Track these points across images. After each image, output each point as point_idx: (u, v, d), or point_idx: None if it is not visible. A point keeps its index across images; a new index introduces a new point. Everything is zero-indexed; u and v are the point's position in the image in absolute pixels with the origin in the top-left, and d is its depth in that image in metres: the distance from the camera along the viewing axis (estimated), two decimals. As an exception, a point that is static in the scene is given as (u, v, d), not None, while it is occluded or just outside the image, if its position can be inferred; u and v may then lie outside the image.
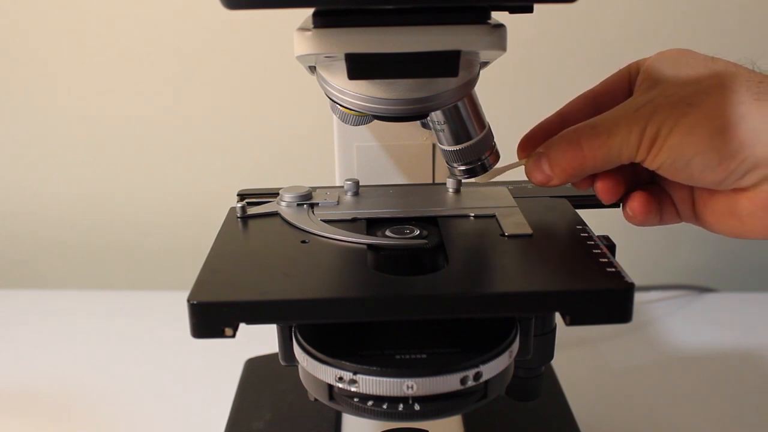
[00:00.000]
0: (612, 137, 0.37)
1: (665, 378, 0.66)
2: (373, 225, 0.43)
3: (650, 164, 0.37)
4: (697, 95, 0.36)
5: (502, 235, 0.40)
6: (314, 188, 0.47)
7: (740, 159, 0.35)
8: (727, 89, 0.36)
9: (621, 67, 0.44)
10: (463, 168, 0.44)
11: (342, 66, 0.35)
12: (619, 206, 0.49)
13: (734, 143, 0.35)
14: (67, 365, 0.69)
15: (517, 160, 0.44)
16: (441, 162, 0.52)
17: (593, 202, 0.48)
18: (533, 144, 0.43)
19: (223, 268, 0.37)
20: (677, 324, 0.76)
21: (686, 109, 0.36)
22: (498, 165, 0.45)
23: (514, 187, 0.49)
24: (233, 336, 0.33)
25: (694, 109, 0.36)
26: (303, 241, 0.40)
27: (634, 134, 0.37)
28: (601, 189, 0.41)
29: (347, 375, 0.34)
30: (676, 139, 0.36)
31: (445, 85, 0.37)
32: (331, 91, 0.38)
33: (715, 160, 0.35)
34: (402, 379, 0.33)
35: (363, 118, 0.44)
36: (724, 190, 0.38)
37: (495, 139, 0.45)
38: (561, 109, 0.45)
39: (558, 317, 0.35)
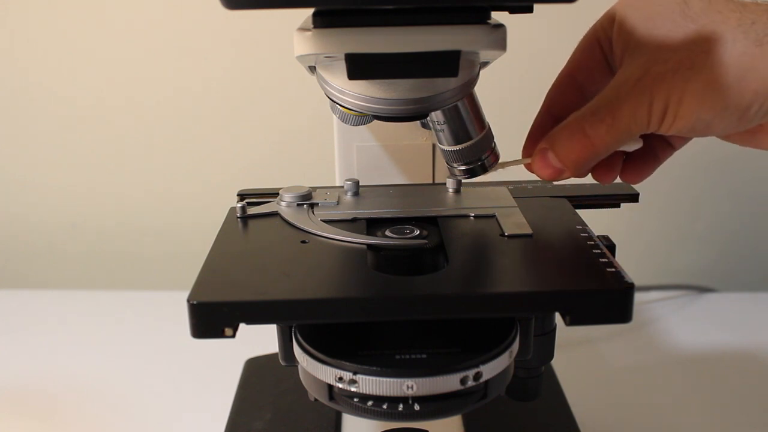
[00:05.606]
0: (617, 120, 0.35)
1: (665, 378, 0.66)
2: (373, 225, 0.43)
3: (665, 132, 0.36)
4: (696, 56, 0.34)
5: (502, 235, 0.40)
6: (314, 188, 0.47)
7: (757, 106, 0.34)
8: (723, 42, 0.34)
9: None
10: (463, 168, 0.44)
11: (342, 66, 0.35)
12: (619, 206, 0.49)
13: (748, 95, 0.34)
14: (67, 365, 0.69)
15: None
16: (441, 162, 0.52)
17: (593, 202, 0.48)
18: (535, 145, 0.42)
19: (223, 268, 0.37)
20: (677, 324, 0.76)
21: (689, 74, 0.34)
22: (502, 160, 0.44)
23: (514, 187, 0.49)
24: (233, 336, 0.33)
25: (697, 72, 0.34)
26: (303, 241, 0.40)
27: (641, 110, 0.35)
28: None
29: (347, 375, 0.34)
30: (689, 107, 0.34)
31: (445, 85, 0.37)
32: (331, 91, 0.38)
33: (734, 116, 0.34)
34: (402, 379, 0.33)
35: (363, 118, 0.44)
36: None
37: (495, 139, 0.45)
38: (544, 104, 0.43)
39: (558, 317, 0.35)
